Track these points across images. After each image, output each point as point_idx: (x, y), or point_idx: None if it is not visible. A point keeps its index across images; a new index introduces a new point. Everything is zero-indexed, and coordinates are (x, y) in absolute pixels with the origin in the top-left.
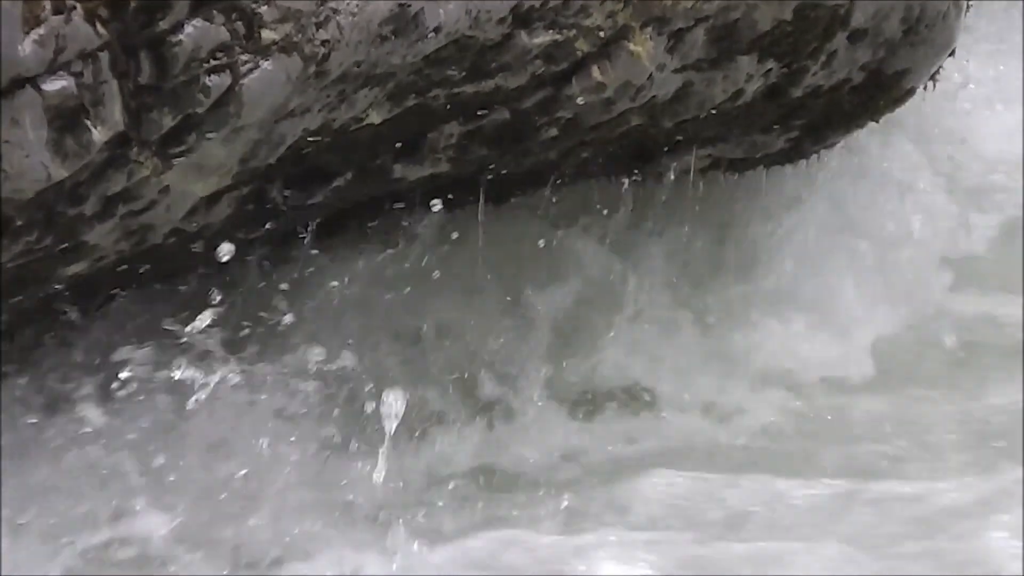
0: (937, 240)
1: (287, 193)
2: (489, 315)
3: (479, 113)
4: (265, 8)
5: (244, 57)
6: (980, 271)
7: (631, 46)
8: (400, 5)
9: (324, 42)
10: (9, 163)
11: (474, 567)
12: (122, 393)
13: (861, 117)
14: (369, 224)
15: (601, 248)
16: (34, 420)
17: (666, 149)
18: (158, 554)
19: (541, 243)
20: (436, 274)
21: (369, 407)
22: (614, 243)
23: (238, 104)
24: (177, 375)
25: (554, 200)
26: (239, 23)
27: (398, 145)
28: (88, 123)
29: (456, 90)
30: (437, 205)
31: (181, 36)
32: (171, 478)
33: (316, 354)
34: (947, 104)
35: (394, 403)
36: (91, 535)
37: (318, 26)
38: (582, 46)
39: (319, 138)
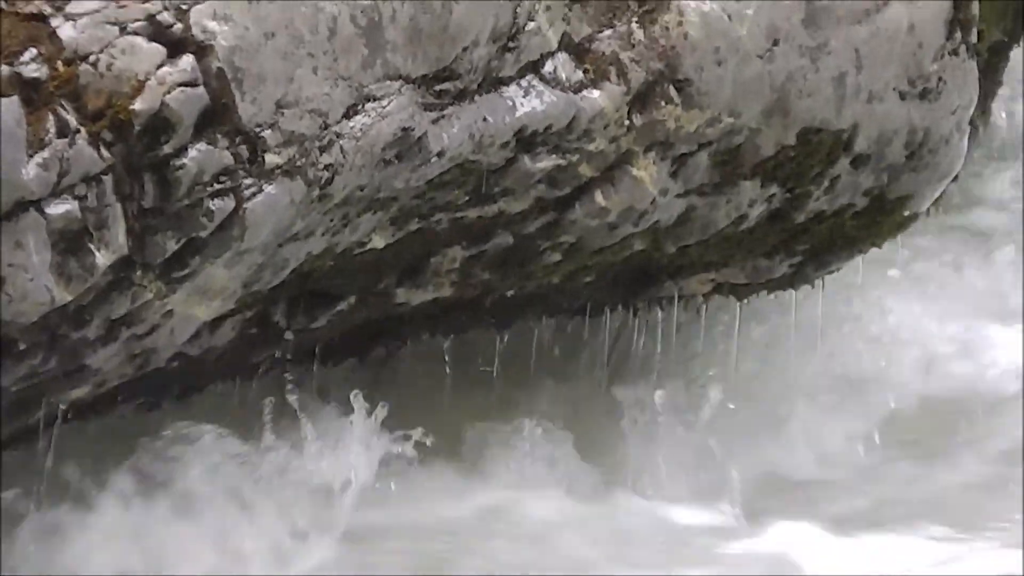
0: None
1: (290, 317)
2: None
3: (482, 237)
4: (269, 132)
5: (248, 181)
6: None
7: (634, 171)
8: (403, 129)
9: (328, 166)
10: (12, 286)
11: None
12: None
13: (864, 242)
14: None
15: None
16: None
17: (669, 274)
18: None
19: None
20: None
21: None
22: None
23: (242, 228)
24: None
25: None
26: (243, 147)
27: (401, 269)
28: (92, 246)
29: (459, 214)
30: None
31: (185, 160)
32: None
33: None
34: None
35: None
36: None
37: (322, 150)
38: (585, 170)
39: (323, 262)
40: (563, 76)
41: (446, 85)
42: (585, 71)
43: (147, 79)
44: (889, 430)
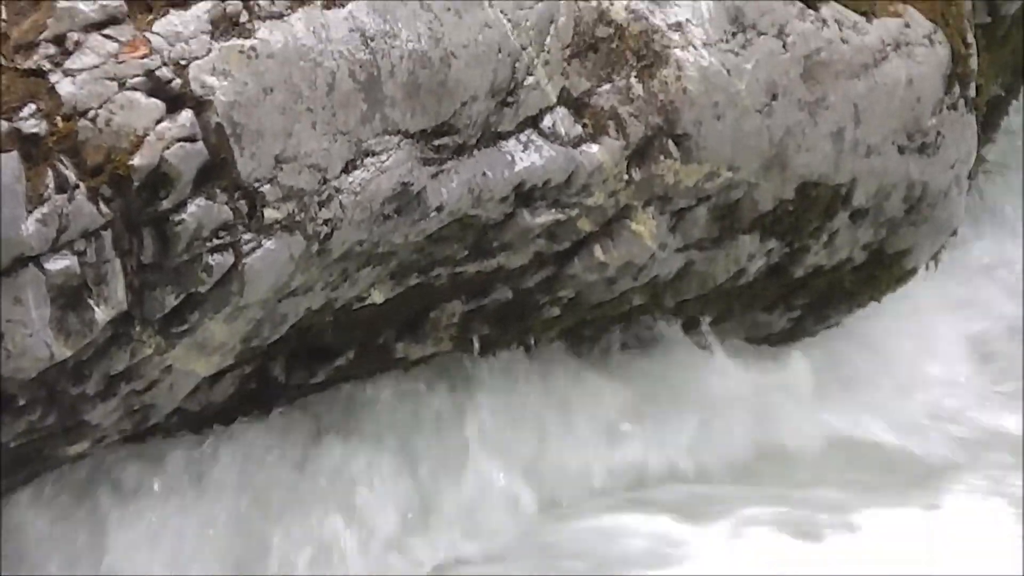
0: None
1: (289, 372)
2: None
3: (481, 292)
4: (268, 187)
5: (247, 236)
6: None
7: (633, 225)
8: (403, 184)
9: (327, 221)
10: (12, 342)
11: None
12: None
13: (863, 296)
14: None
15: None
16: None
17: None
18: None
19: None
20: None
21: None
22: None
23: (241, 283)
24: None
25: None
26: (242, 202)
27: (400, 324)
28: (91, 302)
29: (459, 269)
30: None
31: (184, 215)
32: None
33: None
34: None
35: None
36: None
37: (321, 205)
38: (584, 225)
39: (322, 317)
40: (562, 131)
41: (445, 140)
42: (584, 126)
43: (146, 134)
44: None
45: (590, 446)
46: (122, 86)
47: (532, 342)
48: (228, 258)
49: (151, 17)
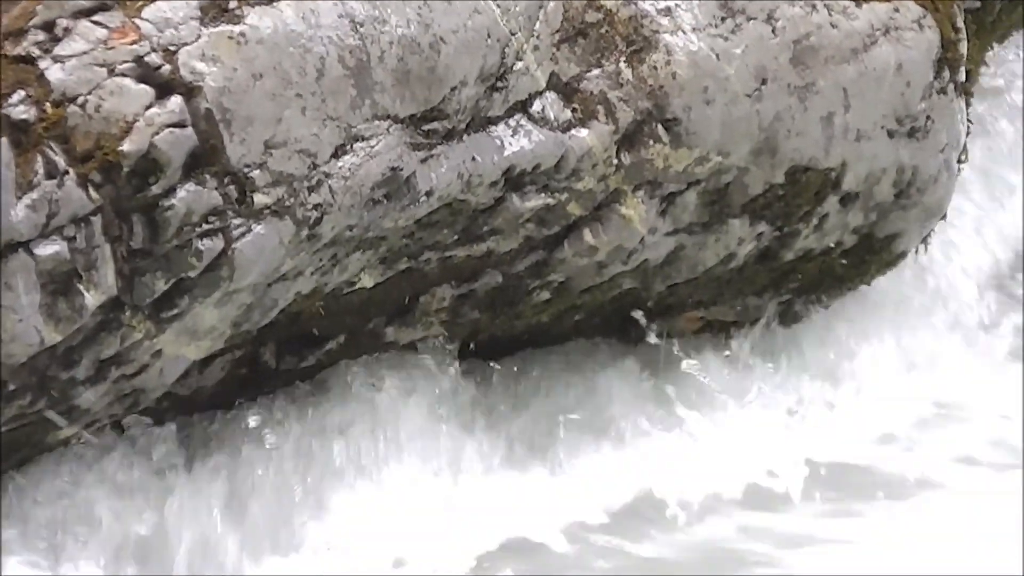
0: None
1: (279, 357)
2: None
3: (471, 276)
4: (257, 172)
5: (237, 221)
6: None
7: (623, 210)
8: (392, 169)
9: (316, 206)
10: (2, 328)
11: None
12: None
13: (852, 280)
14: None
15: None
16: None
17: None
18: None
19: None
20: None
21: None
22: None
23: (231, 268)
24: None
25: None
26: (232, 187)
27: (390, 308)
28: (81, 287)
29: (448, 253)
30: None
31: (174, 201)
32: None
33: None
34: None
35: None
36: None
37: (310, 190)
38: (574, 210)
39: (311, 302)
40: (551, 115)
41: (434, 125)
42: (573, 110)
43: (136, 120)
44: None
45: None
46: (111, 72)
47: None
48: (218, 243)
49: (140, 3)
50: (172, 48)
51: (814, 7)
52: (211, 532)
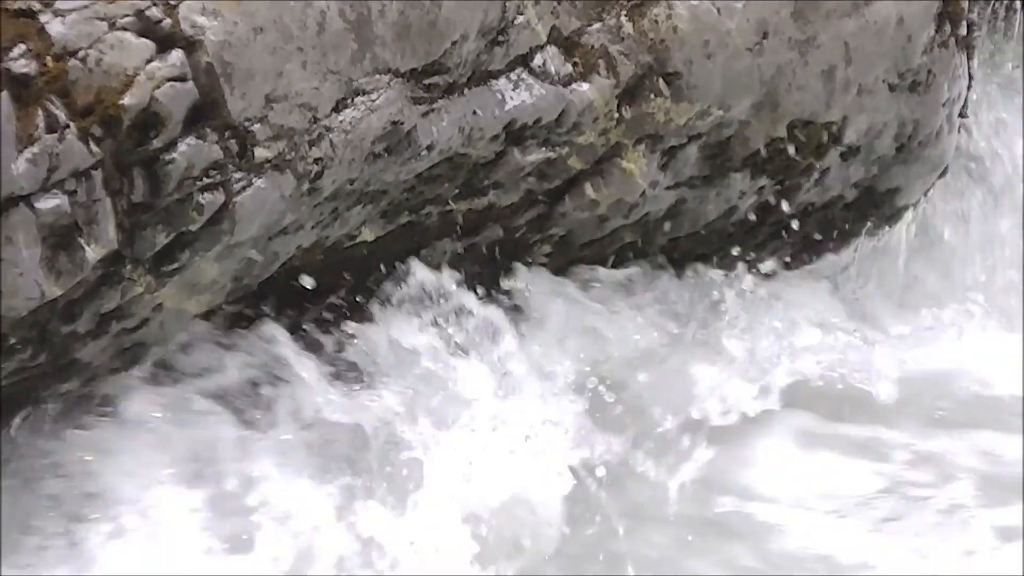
0: None
1: (280, 311)
2: None
3: (472, 230)
4: (258, 126)
5: (237, 175)
6: None
7: (624, 163)
8: (393, 123)
9: (317, 160)
10: (2, 281)
11: None
12: None
13: (854, 234)
14: None
15: None
16: None
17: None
18: None
19: None
20: None
21: None
22: None
23: (231, 222)
24: None
25: None
26: (232, 141)
27: (391, 262)
28: (81, 241)
29: (449, 207)
30: None
31: (174, 154)
32: None
33: None
34: None
35: None
36: None
37: (311, 144)
38: (575, 163)
39: (312, 255)
40: (552, 69)
41: (435, 79)
42: (574, 64)
43: (136, 74)
44: None
45: None
46: (112, 26)
47: None
48: (219, 197)
49: None
50: (173, 2)
51: None
52: None
